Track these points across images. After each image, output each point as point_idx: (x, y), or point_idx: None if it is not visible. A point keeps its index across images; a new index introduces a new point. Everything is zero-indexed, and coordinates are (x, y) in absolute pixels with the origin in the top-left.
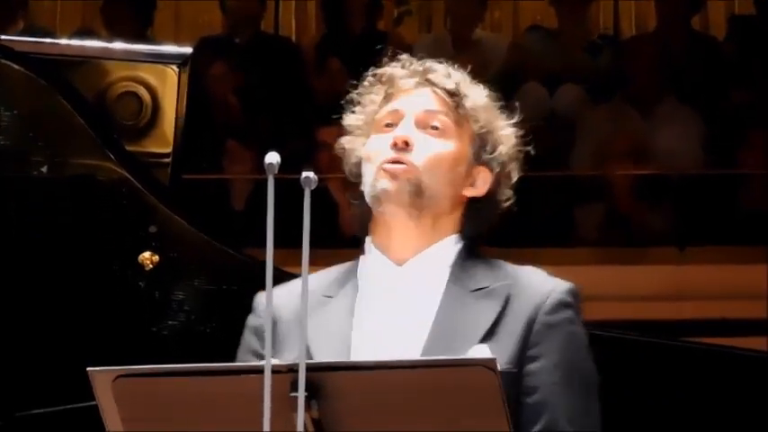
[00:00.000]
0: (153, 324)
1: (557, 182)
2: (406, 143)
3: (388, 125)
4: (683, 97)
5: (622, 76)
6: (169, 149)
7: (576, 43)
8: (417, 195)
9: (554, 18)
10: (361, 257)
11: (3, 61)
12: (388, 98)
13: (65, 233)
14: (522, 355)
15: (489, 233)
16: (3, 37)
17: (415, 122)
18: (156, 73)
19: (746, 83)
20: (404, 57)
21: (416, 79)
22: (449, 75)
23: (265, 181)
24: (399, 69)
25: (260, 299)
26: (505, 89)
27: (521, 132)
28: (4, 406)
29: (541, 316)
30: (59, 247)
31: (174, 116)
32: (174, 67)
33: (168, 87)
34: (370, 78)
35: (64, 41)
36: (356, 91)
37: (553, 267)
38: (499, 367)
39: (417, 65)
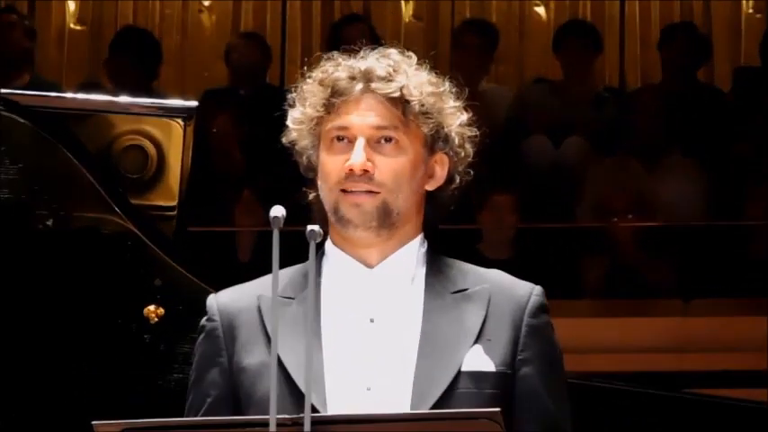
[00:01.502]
0: (158, 377)
1: (562, 233)
2: (366, 171)
3: (339, 138)
4: (688, 149)
5: (627, 129)
6: (174, 203)
7: (582, 96)
8: (386, 216)
9: (559, 70)
10: (324, 258)
11: (8, 115)
12: (331, 107)
13: (70, 286)
14: (513, 358)
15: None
16: (8, 90)
17: (366, 141)
18: (162, 126)
19: (751, 135)
20: (339, 57)
21: (360, 86)
22: (390, 77)
23: (271, 232)
24: (339, 71)
25: (211, 301)
26: (511, 141)
27: (469, 114)
28: None
29: (527, 319)
30: (64, 300)
31: (179, 169)
32: (180, 120)
33: (174, 141)
34: (308, 80)
35: (69, 95)
36: (295, 92)
37: (558, 319)
38: (494, 369)
39: (357, 65)
